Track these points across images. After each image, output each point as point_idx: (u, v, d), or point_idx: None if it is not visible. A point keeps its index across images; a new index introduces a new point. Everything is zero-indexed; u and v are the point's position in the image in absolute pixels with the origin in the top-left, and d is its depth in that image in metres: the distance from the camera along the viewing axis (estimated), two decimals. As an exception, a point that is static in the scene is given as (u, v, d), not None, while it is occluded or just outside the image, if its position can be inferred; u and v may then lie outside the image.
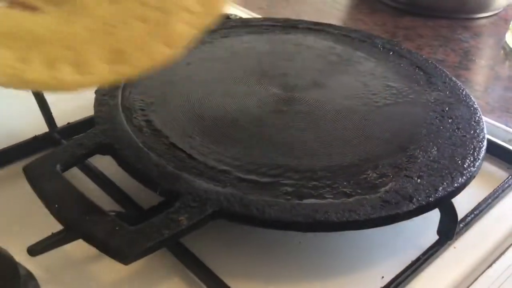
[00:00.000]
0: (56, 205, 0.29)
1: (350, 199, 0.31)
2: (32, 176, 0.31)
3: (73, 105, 0.44)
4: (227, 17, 0.56)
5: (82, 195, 0.30)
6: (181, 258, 0.32)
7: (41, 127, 0.41)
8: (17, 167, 0.39)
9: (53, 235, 0.29)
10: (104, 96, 0.39)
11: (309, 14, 0.57)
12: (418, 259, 0.34)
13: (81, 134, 0.35)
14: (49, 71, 0.25)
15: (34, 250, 0.28)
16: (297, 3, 0.74)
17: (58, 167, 0.32)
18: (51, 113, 0.41)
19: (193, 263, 0.32)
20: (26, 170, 0.31)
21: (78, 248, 0.33)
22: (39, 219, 0.34)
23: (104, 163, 0.37)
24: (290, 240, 0.35)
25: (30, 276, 0.30)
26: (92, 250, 0.33)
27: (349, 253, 0.35)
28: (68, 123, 0.42)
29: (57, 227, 0.29)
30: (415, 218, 0.33)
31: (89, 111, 0.43)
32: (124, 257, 0.27)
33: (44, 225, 0.33)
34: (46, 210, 0.30)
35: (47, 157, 0.33)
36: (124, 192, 0.36)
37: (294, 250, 0.35)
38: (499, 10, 0.76)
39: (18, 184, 0.37)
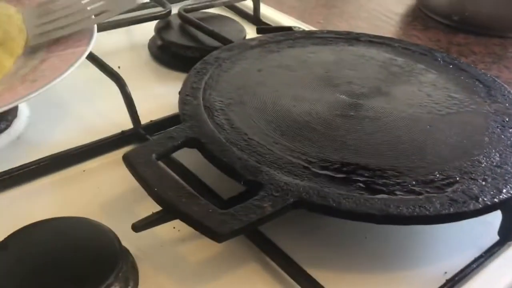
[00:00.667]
0: (156, 189, 0.32)
1: (420, 197, 0.34)
2: (132, 164, 0.35)
3: (154, 105, 0.48)
4: (291, 29, 0.59)
5: (177, 180, 0.34)
6: (259, 244, 0.35)
7: (127, 124, 0.45)
8: (110, 157, 0.43)
9: (153, 214, 0.32)
10: (187, 96, 0.43)
11: (364, 29, 0.60)
12: (480, 257, 0.36)
13: (170, 129, 0.39)
14: None
15: (137, 227, 0.31)
16: (352, 18, 0.77)
17: (153, 156, 0.35)
18: (136, 111, 0.45)
19: (270, 249, 0.35)
20: (126, 158, 0.35)
21: (168, 230, 0.36)
22: (136, 201, 0.39)
23: (184, 157, 0.41)
24: (357, 234, 0.38)
25: (128, 252, 0.33)
26: (179, 233, 0.37)
27: (413, 249, 0.37)
28: (151, 120, 0.46)
29: (154, 208, 0.33)
30: (475, 221, 0.35)
31: (168, 111, 0.47)
32: (217, 236, 0.30)
33: (141, 206, 0.37)
34: (140, 194, 0.34)
35: (143, 147, 0.36)
36: (204, 183, 0.40)
37: (361, 244, 0.37)
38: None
39: (112, 171, 0.41)
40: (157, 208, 0.33)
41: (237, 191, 0.36)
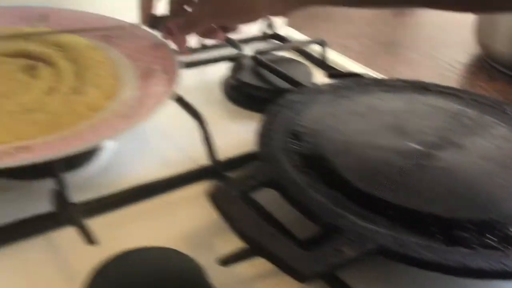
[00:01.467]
0: (241, 226, 0.34)
1: (498, 252, 0.34)
2: (216, 200, 0.36)
3: (228, 142, 0.51)
4: (360, 76, 0.61)
5: (259, 219, 0.35)
6: (334, 286, 0.36)
7: (202, 159, 0.47)
8: (189, 190, 0.45)
9: (239, 250, 0.34)
10: (264, 137, 0.45)
11: (429, 78, 0.61)
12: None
13: (249, 168, 0.41)
14: None
15: (225, 262, 0.33)
16: (417, 67, 0.78)
17: (235, 194, 0.37)
18: (214, 148, 0.47)
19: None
20: (211, 195, 0.37)
21: (244, 266, 0.38)
22: (215, 234, 0.40)
23: (259, 196, 0.42)
24: (432, 284, 0.38)
25: (212, 286, 0.35)
26: (254, 269, 0.38)
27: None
28: (227, 158, 0.48)
29: (232, 242, 0.34)
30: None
31: (241, 148, 0.49)
32: (302, 277, 0.31)
33: (220, 240, 0.39)
34: (218, 227, 0.35)
35: (226, 185, 0.38)
36: (279, 222, 0.41)
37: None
38: None
39: (190, 204, 0.44)
40: (235, 243, 0.34)
41: (311, 231, 0.38)
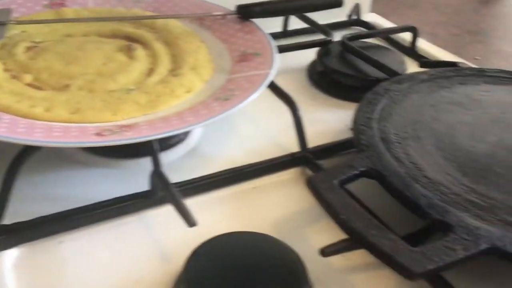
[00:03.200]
0: (343, 217, 0.33)
1: None
2: (316, 188, 0.35)
3: (316, 130, 0.49)
4: (455, 65, 0.58)
5: (363, 210, 0.34)
6: (437, 286, 0.34)
7: (292, 146, 0.46)
8: (278, 176, 0.44)
9: (341, 241, 0.33)
10: (362, 126, 0.43)
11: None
12: None
13: (347, 157, 0.39)
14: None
15: (326, 252, 0.32)
16: (511, 57, 0.74)
17: (335, 183, 0.36)
18: (305, 135, 0.46)
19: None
20: (310, 182, 0.36)
21: (337, 258, 0.36)
22: (307, 222, 0.39)
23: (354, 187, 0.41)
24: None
25: (308, 274, 0.34)
26: (348, 262, 0.37)
27: None
28: (318, 145, 0.47)
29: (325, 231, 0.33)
30: None
31: (330, 137, 0.48)
32: (410, 274, 0.29)
33: (312, 228, 0.38)
34: (310, 215, 0.34)
35: (326, 173, 0.37)
36: (377, 215, 0.39)
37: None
38: None
39: (279, 191, 0.43)
40: (327, 232, 0.33)
41: (409, 227, 0.36)
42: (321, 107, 0.56)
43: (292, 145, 0.46)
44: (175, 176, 0.42)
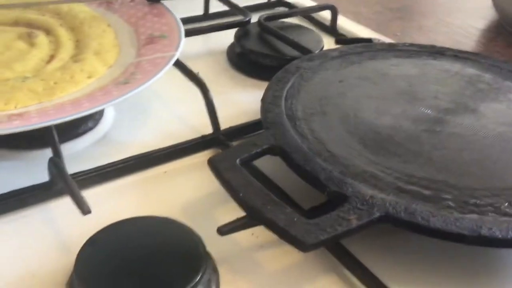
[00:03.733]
0: (241, 194, 0.33)
1: (514, 219, 0.32)
2: (217, 168, 0.35)
3: (232, 111, 0.49)
4: (370, 41, 0.58)
5: (261, 187, 0.34)
6: (339, 256, 0.35)
7: (206, 128, 0.46)
8: (190, 160, 0.44)
9: (238, 219, 0.32)
10: (269, 104, 0.43)
11: (443, 44, 0.58)
12: None
13: (253, 136, 0.39)
14: None
15: (223, 231, 0.32)
16: (431, 32, 0.75)
17: (237, 161, 0.36)
18: (217, 117, 0.45)
19: (350, 262, 0.34)
20: (211, 162, 0.36)
21: (246, 236, 0.36)
22: (215, 204, 0.39)
23: (262, 164, 0.41)
24: (442, 253, 0.36)
25: (210, 255, 0.34)
26: (257, 239, 0.37)
27: (501, 273, 0.35)
28: (230, 126, 0.46)
29: (233, 212, 0.33)
30: None
31: (247, 117, 0.47)
32: (303, 246, 0.30)
33: (221, 210, 0.38)
34: (219, 197, 0.34)
35: (228, 152, 0.37)
36: (283, 191, 0.39)
37: (445, 263, 0.36)
38: None
39: (191, 174, 0.42)
40: (235, 213, 0.33)
41: (316, 201, 0.36)
42: (239, 88, 0.56)
43: (206, 128, 0.46)
44: (82, 165, 0.41)
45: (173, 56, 0.42)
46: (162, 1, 0.52)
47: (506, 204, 0.34)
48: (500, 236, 0.31)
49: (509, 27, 0.77)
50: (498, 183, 0.36)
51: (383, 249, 0.37)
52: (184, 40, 0.47)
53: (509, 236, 0.31)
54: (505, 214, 0.33)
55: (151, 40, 0.46)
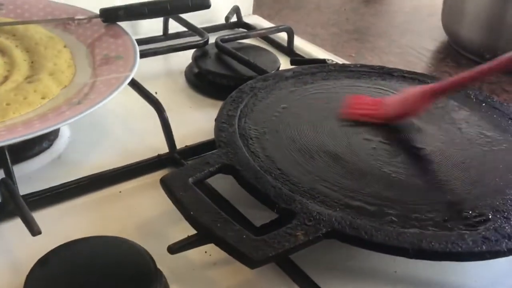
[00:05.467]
0: (191, 213, 0.33)
1: (452, 233, 0.34)
2: (169, 187, 0.36)
3: (189, 130, 0.50)
4: (324, 62, 0.60)
5: (212, 206, 0.34)
6: (289, 272, 0.36)
7: (162, 147, 0.46)
8: (146, 179, 0.44)
9: (189, 237, 0.33)
10: (223, 123, 0.44)
11: (395, 64, 0.61)
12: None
13: (206, 155, 0.40)
14: None
15: (173, 249, 0.32)
16: (384, 53, 0.78)
17: (190, 180, 0.36)
18: (172, 136, 0.46)
19: (300, 277, 0.35)
20: (163, 182, 0.36)
21: (199, 254, 0.37)
22: (170, 223, 0.39)
23: (217, 183, 0.42)
24: (387, 268, 0.38)
25: (161, 273, 0.34)
26: (210, 257, 0.37)
27: (443, 285, 0.37)
28: (186, 145, 0.47)
29: (188, 231, 0.34)
30: (506, 259, 0.35)
31: (203, 137, 0.48)
32: (251, 262, 0.31)
33: (175, 229, 0.38)
34: (174, 217, 0.35)
35: (180, 171, 0.37)
36: (236, 209, 0.40)
37: (390, 277, 0.37)
38: None
39: (147, 193, 0.43)
40: (192, 231, 0.34)
41: (269, 218, 0.37)
42: (196, 108, 0.57)
43: (163, 146, 0.46)
44: (35, 185, 0.41)
45: (127, 76, 0.43)
46: (118, 22, 0.52)
47: (446, 218, 0.36)
48: (439, 249, 0.33)
49: (458, 48, 0.80)
50: (439, 198, 0.38)
51: (332, 264, 0.38)
52: (142, 61, 0.47)
53: (447, 250, 0.33)
54: (445, 228, 0.35)
55: (106, 60, 0.47)
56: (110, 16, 0.51)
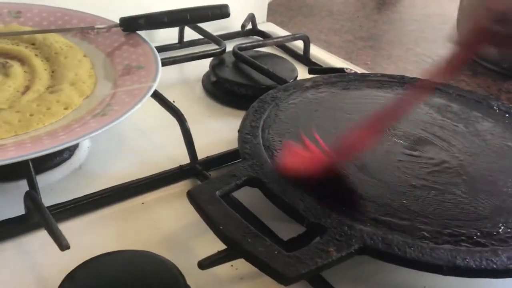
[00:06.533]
0: (221, 227, 0.33)
1: (485, 249, 0.33)
2: (196, 200, 0.35)
3: (208, 140, 0.49)
4: (342, 71, 0.60)
5: (241, 220, 0.34)
6: (316, 285, 0.35)
7: (183, 158, 0.46)
8: (168, 190, 0.44)
9: (219, 252, 0.33)
10: (247, 135, 0.43)
11: (412, 73, 0.60)
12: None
13: (231, 166, 0.39)
14: None
15: (203, 265, 0.32)
16: (400, 61, 0.78)
17: (217, 193, 0.36)
18: (194, 147, 0.45)
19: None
20: (191, 195, 0.36)
21: (226, 268, 0.36)
22: (194, 236, 0.39)
23: (241, 195, 0.41)
24: (415, 283, 0.37)
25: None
26: (237, 271, 0.37)
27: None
28: (207, 156, 0.47)
29: (212, 243, 0.33)
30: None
31: (223, 146, 0.48)
32: (284, 279, 0.30)
33: (200, 242, 0.38)
34: (197, 229, 0.34)
35: (207, 184, 0.37)
36: (262, 222, 0.40)
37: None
38: None
39: (169, 204, 0.42)
40: (214, 244, 0.33)
41: (293, 230, 0.36)
42: (214, 117, 0.56)
43: (183, 157, 0.46)
44: (58, 197, 0.40)
45: (150, 87, 0.43)
46: (137, 31, 0.52)
47: (479, 233, 0.35)
48: (474, 266, 0.32)
49: (474, 56, 0.80)
50: (470, 213, 0.37)
51: (362, 279, 0.37)
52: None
53: (482, 266, 0.32)
54: (478, 244, 0.34)
55: (128, 70, 0.46)
56: (130, 25, 0.51)
